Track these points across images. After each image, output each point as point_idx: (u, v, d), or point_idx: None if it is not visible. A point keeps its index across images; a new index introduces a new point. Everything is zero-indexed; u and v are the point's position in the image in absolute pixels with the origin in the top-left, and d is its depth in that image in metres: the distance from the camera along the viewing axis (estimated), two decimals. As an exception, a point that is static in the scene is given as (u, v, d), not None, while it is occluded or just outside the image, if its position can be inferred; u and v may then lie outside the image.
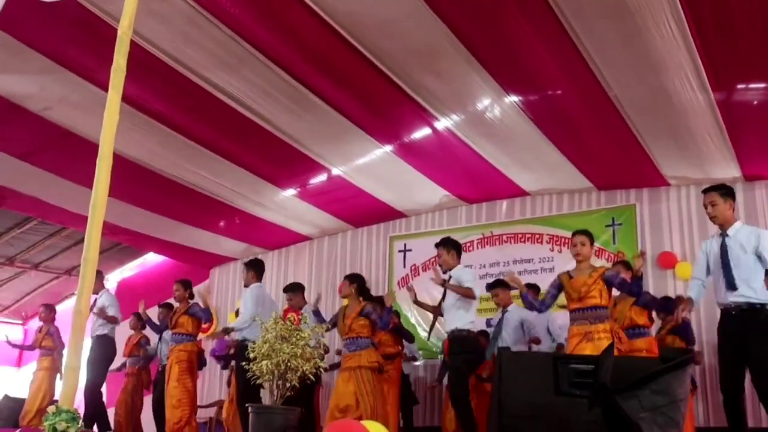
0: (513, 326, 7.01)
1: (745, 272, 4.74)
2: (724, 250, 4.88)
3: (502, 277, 6.98)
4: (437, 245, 6.74)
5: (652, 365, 3.62)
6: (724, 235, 4.96)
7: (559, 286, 5.84)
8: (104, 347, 8.23)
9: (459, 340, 6.36)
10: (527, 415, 3.47)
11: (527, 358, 4.10)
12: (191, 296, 8.11)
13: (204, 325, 8.41)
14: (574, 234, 5.90)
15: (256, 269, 7.74)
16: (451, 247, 6.67)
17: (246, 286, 7.68)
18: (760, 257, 4.77)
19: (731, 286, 4.74)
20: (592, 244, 5.92)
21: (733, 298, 4.75)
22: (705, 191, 5.15)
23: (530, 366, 3.66)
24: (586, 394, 3.44)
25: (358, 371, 6.95)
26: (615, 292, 5.99)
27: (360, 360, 7.06)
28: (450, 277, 6.48)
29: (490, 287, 7.28)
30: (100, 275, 8.19)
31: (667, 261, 8.13)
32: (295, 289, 8.12)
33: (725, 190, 5.07)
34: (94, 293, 7.75)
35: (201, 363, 8.37)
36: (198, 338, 8.11)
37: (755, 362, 4.65)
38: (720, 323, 4.95)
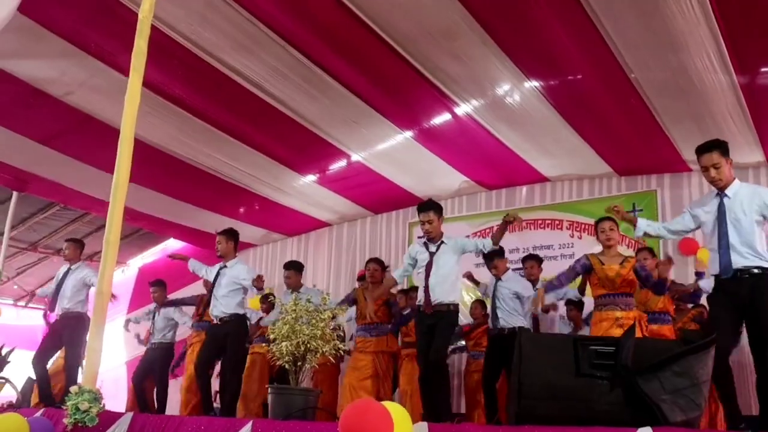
0: (509, 295, 6.61)
1: (749, 234, 4.33)
2: (722, 212, 4.43)
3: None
4: (424, 208, 5.98)
5: (673, 347, 3.59)
6: (722, 195, 4.49)
7: (587, 267, 5.76)
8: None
9: (454, 315, 5.82)
10: (547, 396, 3.45)
11: (547, 340, 4.08)
12: None
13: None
14: (601, 220, 5.85)
15: (236, 241, 7.06)
16: (440, 211, 6.01)
17: (223, 256, 6.84)
18: (764, 218, 4.38)
19: (734, 249, 4.31)
20: (618, 229, 5.91)
21: (738, 263, 4.30)
22: (701, 151, 4.58)
23: (550, 347, 3.63)
24: (607, 376, 3.42)
25: (377, 355, 7.02)
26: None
27: (380, 345, 7.12)
28: (442, 242, 5.90)
29: (487, 258, 6.77)
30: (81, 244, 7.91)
31: (688, 247, 8.03)
32: (295, 267, 7.88)
33: (724, 148, 4.53)
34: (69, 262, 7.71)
35: None
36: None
37: (759, 330, 4.23)
38: (720, 284, 4.44)
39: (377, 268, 7.27)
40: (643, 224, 4.92)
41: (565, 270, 5.99)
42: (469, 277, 7.51)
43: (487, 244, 5.90)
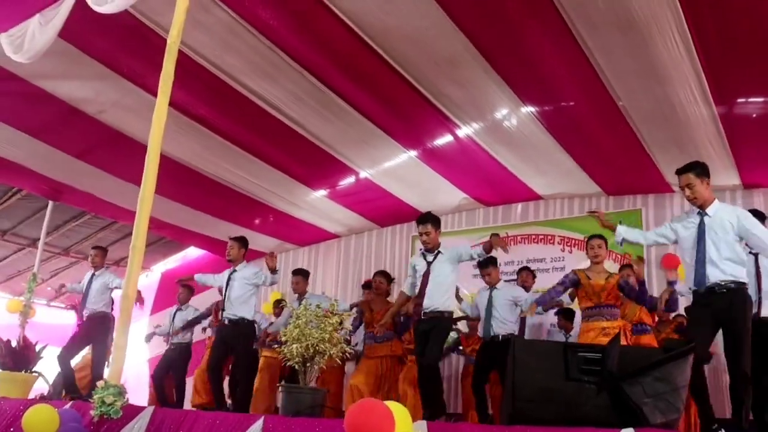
0: (503, 304, 6.61)
1: (727, 251, 4.33)
2: (702, 230, 4.41)
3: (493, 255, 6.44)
4: (422, 221, 5.95)
5: (655, 354, 3.59)
6: (703, 214, 4.48)
7: (575, 282, 5.78)
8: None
9: (449, 322, 5.85)
10: (538, 398, 3.45)
11: (539, 346, 4.07)
12: None
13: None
14: (591, 237, 5.87)
15: (246, 249, 7.05)
16: (438, 224, 6.01)
17: (233, 261, 6.89)
18: (740, 236, 4.39)
19: (712, 264, 4.31)
20: (606, 246, 5.89)
21: (715, 277, 4.30)
22: (678, 172, 4.61)
23: (542, 353, 3.63)
24: (594, 380, 3.41)
25: (383, 359, 7.02)
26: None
27: (385, 350, 7.13)
28: (439, 252, 5.88)
29: (482, 266, 6.81)
30: (105, 252, 7.98)
31: (670, 262, 8.03)
32: (303, 274, 7.93)
33: (700, 169, 4.55)
34: (95, 267, 7.68)
35: None
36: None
37: (733, 339, 4.24)
38: (698, 298, 4.43)
39: (383, 280, 7.34)
40: (622, 230, 4.88)
41: (555, 286, 5.98)
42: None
43: (480, 253, 5.86)
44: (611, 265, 7.70)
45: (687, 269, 4.55)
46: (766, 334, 4.86)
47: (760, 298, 5.04)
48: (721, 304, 4.28)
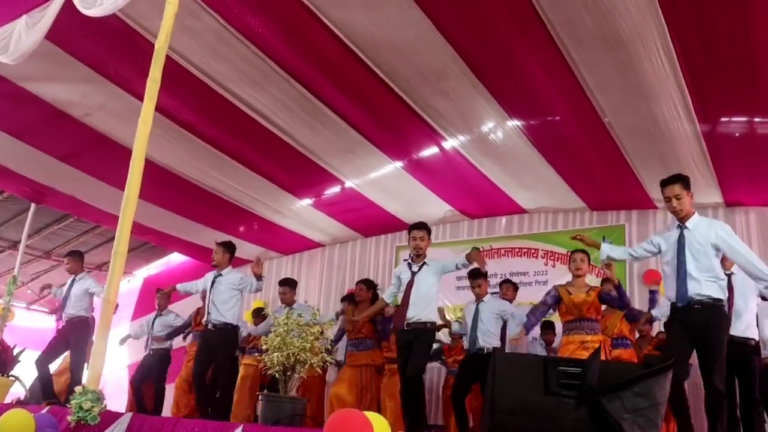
0: (490, 317, 6.51)
1: (705, 266, 4.32)
2: (681, 243, 4.39)
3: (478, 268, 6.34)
4: (418, 227, 5.92)
5: (635, 370, 3.59)
6: (682, 227, 4.45)
7: (557, 299, 5.80)
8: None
9: (432, 333, 5.80)
10: (518, 412, 3.44)
11: (519, 360, 4.08)
12: None
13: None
14: (575, 252, 5.90)
15: (232, 254, 6.89)
16: (430, 234, 5.97)
17: (218, 265, 6.71)
18: (717, 250, 4.35)
19: (691, 278, 4.31)
20: (589, 260, 5.93)
21: (694, 291, 4.29)
22: (665, 183, 4.54)
23: (522, 367, 3.62)
24: (574, 395, 3.42)
25: (363, 368, 6.99)
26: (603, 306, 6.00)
27: (366, 359, 7.10)
28: (424, 263, 5.82)
29: (473, 277, 6.72)
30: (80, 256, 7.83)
31: (652, 278, 8.08)
32: (290, 284, 7.84)
33: (686, 181, 4.51)
34: (72, 274, 7.55)
35: None
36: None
37: (708, 356, 4.24)
38: (675, 312, 4.42)
39: (362, 287, 7.33)
40: (607, 248, 4.91)
41: (539, 306, 5.99)
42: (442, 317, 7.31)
43: (464, 262, 5.79)
44: (593, 279, 7.75)
45: (666, 281, 4.56)
46: (737, 352, 4.96)
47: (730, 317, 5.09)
48: (698, 320, 4.29)
